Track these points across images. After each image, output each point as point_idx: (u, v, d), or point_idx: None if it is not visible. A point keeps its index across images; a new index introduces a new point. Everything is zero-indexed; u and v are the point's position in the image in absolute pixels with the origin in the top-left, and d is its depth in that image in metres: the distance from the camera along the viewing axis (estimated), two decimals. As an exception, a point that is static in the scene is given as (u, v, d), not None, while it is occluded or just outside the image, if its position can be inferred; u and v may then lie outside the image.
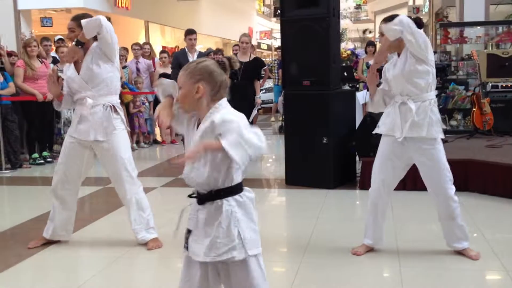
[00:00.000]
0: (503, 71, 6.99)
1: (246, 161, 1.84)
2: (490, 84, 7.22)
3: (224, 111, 1.95)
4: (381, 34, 3.41)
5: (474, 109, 6.84)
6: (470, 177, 5.14)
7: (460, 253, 3.46)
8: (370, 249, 3.59)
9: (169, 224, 4.46)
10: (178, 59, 7.71)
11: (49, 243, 3.88)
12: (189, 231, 2.07)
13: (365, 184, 5.33)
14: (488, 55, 7.20)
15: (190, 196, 2.07)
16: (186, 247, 2.08)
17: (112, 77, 3.69)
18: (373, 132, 3.57)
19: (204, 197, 2.00)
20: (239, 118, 1.90)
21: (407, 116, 3.32)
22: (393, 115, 3.40)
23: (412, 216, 4.50)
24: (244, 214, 1.99)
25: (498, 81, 7.22)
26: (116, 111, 3.71)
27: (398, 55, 3.41)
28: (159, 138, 9.41)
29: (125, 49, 9.72)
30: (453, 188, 3.39)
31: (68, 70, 3.79)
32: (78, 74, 3.71)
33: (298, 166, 5.59)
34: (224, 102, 2.00)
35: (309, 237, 3.98)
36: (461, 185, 5.14)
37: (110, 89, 3.69)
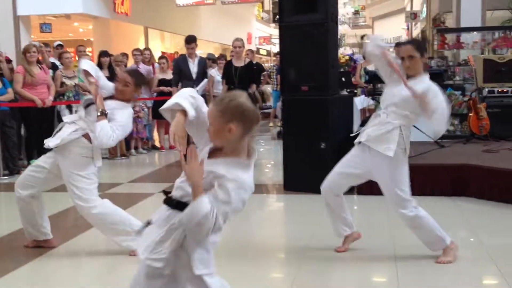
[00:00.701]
0: (500, 76, 7.03)
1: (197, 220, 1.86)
2: (487, 89, 7.25)
3: (245, 176, 1.92)
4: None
5: (470, 114, 6.86)
6: (467, 182, 5.16)
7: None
8: (353, 239, 3.69)
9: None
10: (178, 65, 7.75)
11: (47, 248, 3.89)
12: (148, 222, 2.09)
13: (363, 190, 5.35)
14: (484, 60, 7.24)
15: (164, 192, 2.09)
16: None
17: None
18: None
19: (175, 203, 2.02)
20: (248, 190, 1.92)
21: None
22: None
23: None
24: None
25: (495, 86, 7.24)
26: None
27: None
28: (157, 144, 9.42)
29: (125, 55, 9.75)
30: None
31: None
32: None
33: (297, 172, 5.60)
34: (251, 164, 1.98)
35: (307, 242, 3.99)
36: (458, 190, 5.17)
37: None
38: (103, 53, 8.32)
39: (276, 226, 4.74)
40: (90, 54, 10.81)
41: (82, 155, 3.64)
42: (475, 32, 9.64)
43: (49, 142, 3.64)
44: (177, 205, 2.00)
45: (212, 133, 1.96)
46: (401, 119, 3.41)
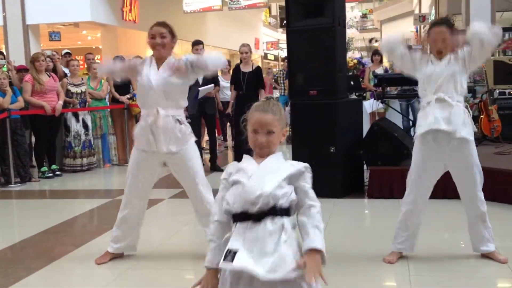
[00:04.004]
0: (510, 78, 6.98)
1: None
2: (498, 91, 7.20)
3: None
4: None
5: (481, 116, 6.82)
6: (479, 185, 5.11)
7: (487, 256, 3.46)
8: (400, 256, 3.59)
9: (176, 236, 4.47)
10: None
11: (60, 256, 3.90)
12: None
13: (373, 193, 5.32)
14: (494, 62, 7.19)
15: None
16: None
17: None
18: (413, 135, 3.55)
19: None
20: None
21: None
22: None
23: (424, 224, 4.47)
24: None
25: (505, 88, 7.20)
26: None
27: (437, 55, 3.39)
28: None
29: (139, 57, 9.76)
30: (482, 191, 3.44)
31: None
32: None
33: (306, 176, 5.57)
34: None
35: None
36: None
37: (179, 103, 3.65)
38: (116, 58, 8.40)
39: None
40: (98, 61, 10.85)
41: None
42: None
43: None
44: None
45: (275, 141, 2.00)
46: (460, 97, 3.34)
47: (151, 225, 4.93)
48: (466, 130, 3.30)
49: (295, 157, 5.69)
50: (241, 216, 1.89)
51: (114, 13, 12.42)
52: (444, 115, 3.29)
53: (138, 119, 9.06)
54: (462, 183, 3.44)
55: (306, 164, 2.03)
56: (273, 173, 1.93)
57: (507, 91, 7.21)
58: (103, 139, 8.20)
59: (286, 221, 1.90)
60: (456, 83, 3.32)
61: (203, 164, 7.49)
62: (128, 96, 8.28)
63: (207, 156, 7.72)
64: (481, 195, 3.42)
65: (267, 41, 29.73)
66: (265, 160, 1.97)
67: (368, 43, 24.33)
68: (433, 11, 17.60)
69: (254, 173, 1.93)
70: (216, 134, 8.00)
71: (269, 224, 1.86)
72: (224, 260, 1.85)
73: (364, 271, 3.46)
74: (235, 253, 1.84)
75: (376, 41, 26.83)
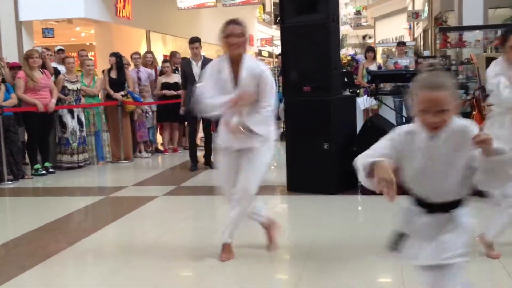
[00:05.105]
0: (503, 75, 6.99)
1: None
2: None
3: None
4: None
5: (474, 112, 6.84)
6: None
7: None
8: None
9: (170, 233, 4.48)
10: (183, 69, 7.73)
11: (53, 254, 3.90)
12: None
13: (366, 190, 5.32)
14: (487, 59, 7.20)
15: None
16: None
17: None
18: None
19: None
20: None
21: None
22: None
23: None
24: None
25: (498, 84, 7.21)
26: None
27: None
28: (160, 147, 9.42)
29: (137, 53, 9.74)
30: None
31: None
32: None
33: (300, 173, 5.59)
34: None
35: (311, 243, 3.98)
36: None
37: None
38: (113, 54, 8.42)
39: (280, 227, 4.72)
40: (92, 58, 10.82)
41: None
42: (477, 31, 9.62)
43: None
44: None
45: (449, 118, 1.84)
46: None
47: (146, 222, 4.94)
48: None
49: (289, 154, 5.70)
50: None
51: (108, 9, 12.35)
52: None
53: (133, 116, 9.07)
54: None
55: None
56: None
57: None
58: (97, 136, 8.18)
59: None
60: None
61: (197, 161, 7.55)
62: (122, 93, 8.26)
63: (201, 153, 7.71)
64: None
65: (261, 38, 29.69)
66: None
67: (362, 40, 24.36)
68: (426, 8, 17.63)
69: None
70: (212, 131, 8.00)
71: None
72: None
73: (357, 267, 3.47)
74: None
75: (370, 37, 26.86)
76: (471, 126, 1.88)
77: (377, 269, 3.46)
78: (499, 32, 9.53)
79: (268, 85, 3.52)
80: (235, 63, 3.55)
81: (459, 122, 1.89)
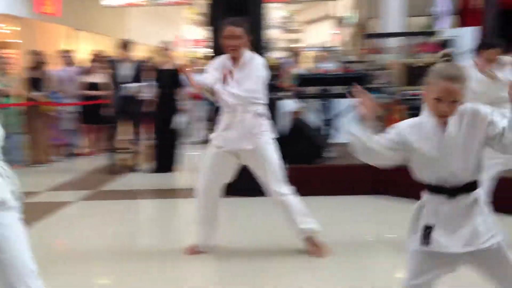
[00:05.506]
0: (414, 80, 7.40)
1: None
2: (405, 92, 7.62)
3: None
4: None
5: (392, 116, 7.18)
6: (387, 181, 5.39)
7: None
8: None
9: (86, 239, 4.37)
10: (111, 69, 7.54)
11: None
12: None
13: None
14: (403, 65, 7.62)
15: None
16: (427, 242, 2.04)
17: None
18: None
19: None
20: None
21: None
22: None
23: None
24: None
25: (413, 89, 7.62)
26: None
27: None
28: (87, 150, 9.09)
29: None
30: None
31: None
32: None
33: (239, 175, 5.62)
34: None
35: (264, 244, 4.14)
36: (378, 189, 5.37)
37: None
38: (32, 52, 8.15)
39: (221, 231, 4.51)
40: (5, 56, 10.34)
41: None
42: (395, 38, 10.10)
43: None
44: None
45: (456, 109, 1.96)
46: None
47: (61, 228, 4.78)
48: None
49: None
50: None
51: (31, 5, 11.94)
52: None
53: (48, 117, 8.62)
54: None
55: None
56: None
57: (411, 92, 7.59)
58: (10, 139, 7.76)
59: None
60: None
61: (118, 165, 7.36)
62: (40, 93, 7.96)
63: (124, 156, 7.62)
64: None
65: (190, 39, 29.55)
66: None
67: (290, 44, 24.84)
68: (354, 14, 18.22)
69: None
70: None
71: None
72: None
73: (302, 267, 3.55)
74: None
75: (299, 42, 27.42)
76: (478, 106, 2.01)
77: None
78: (417, 40, 10.05)
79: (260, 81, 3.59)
80: (236, 60, 3.58)
81: (465, 106, 2.01)
